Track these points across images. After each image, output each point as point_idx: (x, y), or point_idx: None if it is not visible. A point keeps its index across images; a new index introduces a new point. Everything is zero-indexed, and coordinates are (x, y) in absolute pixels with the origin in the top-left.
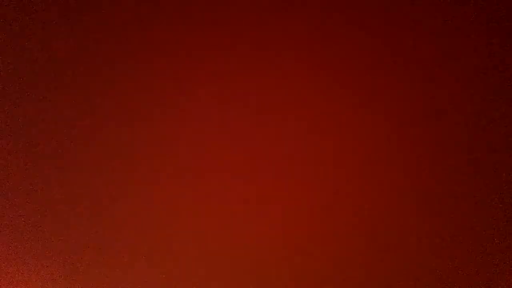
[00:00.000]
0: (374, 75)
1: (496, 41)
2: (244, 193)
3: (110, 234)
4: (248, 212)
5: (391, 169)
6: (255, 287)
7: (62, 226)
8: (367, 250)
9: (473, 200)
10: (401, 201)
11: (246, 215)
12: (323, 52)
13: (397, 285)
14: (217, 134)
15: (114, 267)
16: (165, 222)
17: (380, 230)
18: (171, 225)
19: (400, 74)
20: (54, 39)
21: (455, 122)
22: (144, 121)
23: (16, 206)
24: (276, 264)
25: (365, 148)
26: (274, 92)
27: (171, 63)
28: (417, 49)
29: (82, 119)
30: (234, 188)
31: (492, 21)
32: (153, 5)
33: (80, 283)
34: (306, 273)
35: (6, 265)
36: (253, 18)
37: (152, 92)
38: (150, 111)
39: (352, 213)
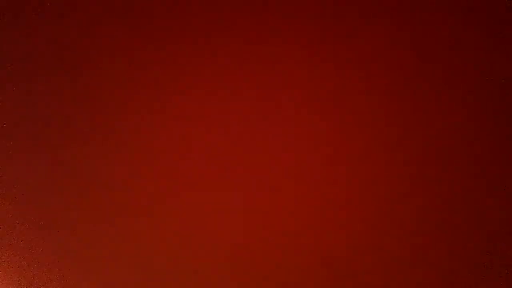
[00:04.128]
0: (378, 74)
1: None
2: (243, 192)
3: (108, 233)
4: (247, 212)
5: (393, 169)
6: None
7: (54, 224)
8: (370, 250)
9: (479, 200)
10: (404, 200)
11: (245, 215)
12: (326, 50)
13: (400, 286)
14: (216, 133)
15: (110, 265)
16: (165, 222)
17: (383, 230)
18: (171, 225)
19: (406, 73)
20: (53, 37)
21: (461, 121)
22: (143, 121)
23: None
24: (276, 264)
25: (366, 148)
26: (275, 92)
27: (171, 61)
28: (421, 48)
29: (77, 117)
30: (234, 188)
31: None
32: (153, 4)
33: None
34: (307, 274)
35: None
36: (255, 15)
37: (151, 89)
38: (150, 110)
39: (354, 214)
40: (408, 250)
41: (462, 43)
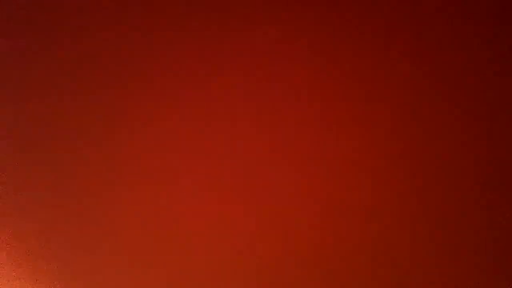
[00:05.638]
0: (381, 75)
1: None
2: (244, 194)
3: (107, 235)
4: (248, 214)
5: (395, 170)
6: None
7: (56, 225)
8: (371, 253)
9: (481, 203)
10: (406, 202)
11: (246, 217)
12: (328, 50)
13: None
14: (216, 134)
15: (109, 269)
16: (165, 225)
17: (384, 232)
18: (171, 228)
19: (409, 72)
20: (54, 38)
21: (463, 121)
22: (142, 123)
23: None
24: (277, 267)
25: (368, 149)
26: (275, 92)
27: (171, 63)
28: (424, 47)
29: (76, 119)
30: (235, 189)
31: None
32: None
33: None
34: (307, 275)
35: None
36: (255, 16)
37: (152, 92)
38: (150, 112)
39: (355, 215)
40: (410, 251)
41: (465, 44)
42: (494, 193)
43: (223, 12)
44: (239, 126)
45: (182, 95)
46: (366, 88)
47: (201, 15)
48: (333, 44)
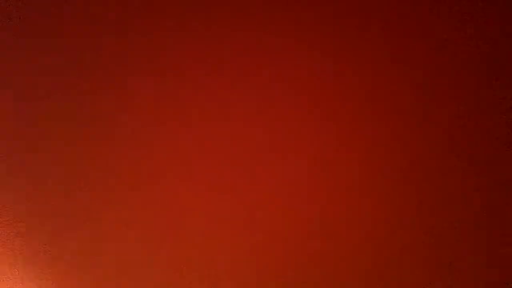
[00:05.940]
0: (379, 74)
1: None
2: (244, 194)
3: (107, 235)
4: (248, 214)
5: (392, 170)
6: None
7: (57, 228)
8: (368, 252)
9: (476, 200)
10: (406, 203)
11: (246, 217)
12: (328, 50)
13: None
14: (216, 134)
15: (109, 268)
16: (166, 224)
17: (381, 232)
18: (172, 228)
19: (406, 72)
20: (53, 37)
21: (458, 122)
22: (142, 120)
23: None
24: (276, 268)
25: (366, 149)
26: (275, 92)
27: (171, 63)
28: (423, 48)
29: (76, 118)
30: (235, 189)
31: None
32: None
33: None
34: (306, 276)
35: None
36: (253, 17)
37: (152, 92)
38: (150, 112)
39: (353, 215)
40: (410, 251)
41: (468, 43)
42: (494, 193)
43: (223, 12)
44: (239, 126)
45: (182, 95)
46: (366, 88)
47: (201, 15)
48: (333, 44)
